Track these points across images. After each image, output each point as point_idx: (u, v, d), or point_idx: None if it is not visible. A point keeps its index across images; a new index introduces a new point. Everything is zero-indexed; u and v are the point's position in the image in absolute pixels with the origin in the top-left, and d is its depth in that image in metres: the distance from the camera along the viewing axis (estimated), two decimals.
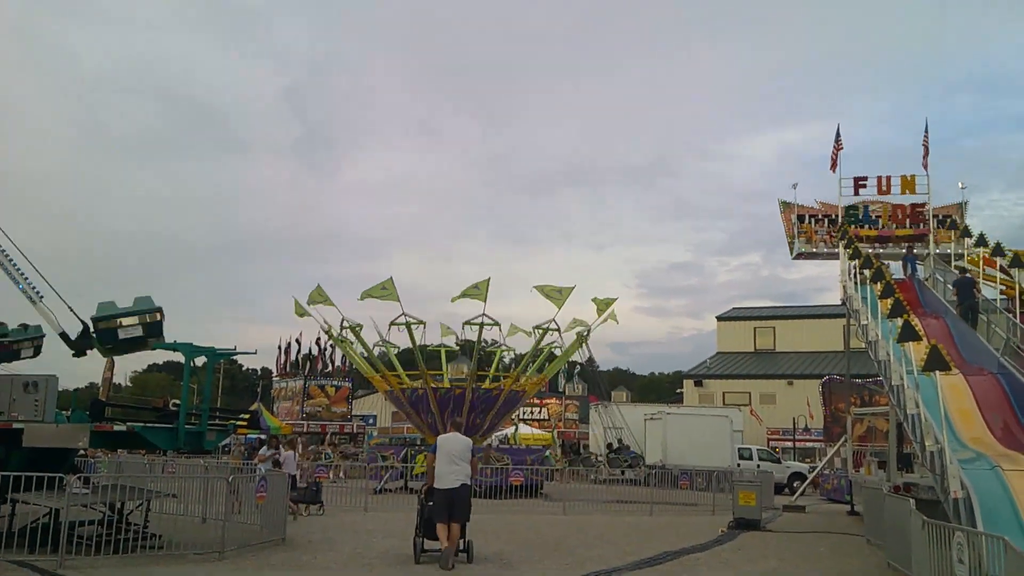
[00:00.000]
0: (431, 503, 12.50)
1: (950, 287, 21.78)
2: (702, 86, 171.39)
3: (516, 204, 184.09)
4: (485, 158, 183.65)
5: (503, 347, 35.41)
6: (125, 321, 13.12)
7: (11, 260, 13.29)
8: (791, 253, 27.39)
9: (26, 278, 13.34)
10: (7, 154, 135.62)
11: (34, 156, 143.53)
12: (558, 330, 30.84)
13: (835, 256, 25.58)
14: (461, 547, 12.45)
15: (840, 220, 25.85)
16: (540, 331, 30.89)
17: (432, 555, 12.36)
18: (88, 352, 13.64)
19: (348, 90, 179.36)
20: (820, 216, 27.23)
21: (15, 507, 12.66)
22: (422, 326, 29.86)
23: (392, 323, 29.83)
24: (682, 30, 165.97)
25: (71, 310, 13.56)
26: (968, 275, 20.91)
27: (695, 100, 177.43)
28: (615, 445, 40.64)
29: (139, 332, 13.31)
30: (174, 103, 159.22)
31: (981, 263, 21.19)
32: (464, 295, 29.59)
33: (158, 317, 13.37)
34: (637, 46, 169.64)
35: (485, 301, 29.23)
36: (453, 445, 12.70)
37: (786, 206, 27.55)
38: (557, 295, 30.30)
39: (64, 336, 13.52)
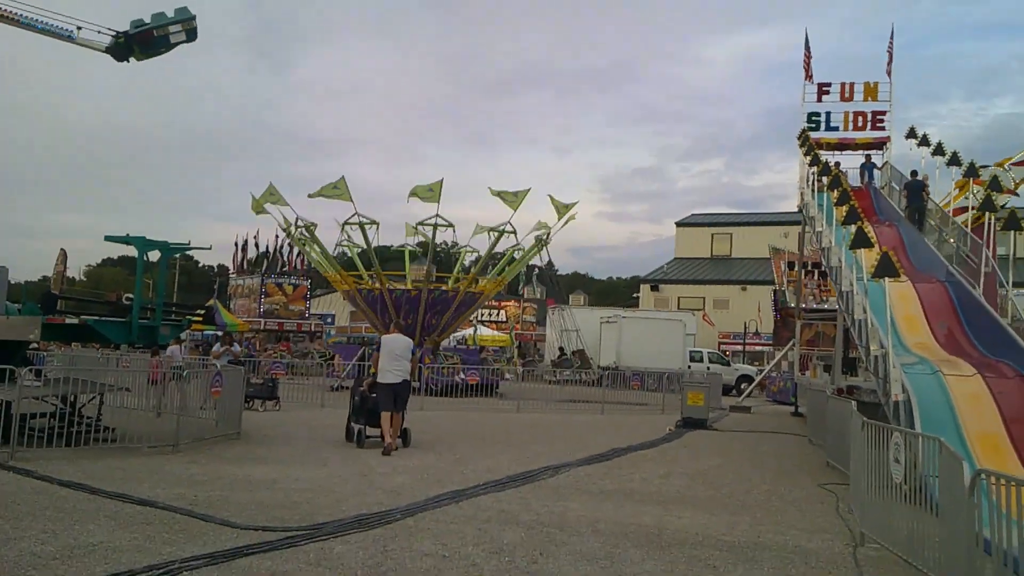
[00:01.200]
0: (374, 395, 13.84)
1: (901, 191, 22.16)
2: None
3: (478, 106, 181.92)
4: (446, 57, 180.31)
5: (468, 248, 35.48)
6: (172, 28, 14.16)
7: (33, 19, 13.65)
8: (776, 307, 27.32)
9: (47, 23, 13.73)
10: None
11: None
12: (514, 232, 30.92)
13: (827, 314, 25.62)
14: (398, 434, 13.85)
15: (803, 126, 25.82)
16: (496, 233, 30.94)
17: (374, 440, 13.73)
18: (129, 59, 14.31)
19: None
20: (810, 266, 27.14)
21: None
22: (375, 226, 29.79)
23: (345, 222, 29.69)
24: None
25: (108, 30, 14.14)
26: (919, 178, 21.39)
27: (660, 3, 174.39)
28: (565, 351, 41.18)
29: (183, 38, 14.30)
30: None
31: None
32: (415, 195, 29.46)
33: (193, 24, 14.29)
34: None
35: (438, 202, 29.22)
36: (396, 344, 14.05)
37: (776, 252, 27.40)
38: (512, 198, 30.28)
39: (109, 50, 14.06)
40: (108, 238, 14.88)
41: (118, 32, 14.04)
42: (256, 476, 10.53)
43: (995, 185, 18.67)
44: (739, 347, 48.61)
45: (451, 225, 30.14)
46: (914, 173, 21.79)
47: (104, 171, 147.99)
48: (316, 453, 12.95)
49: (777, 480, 12.15)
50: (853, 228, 14.90)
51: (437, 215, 29.52)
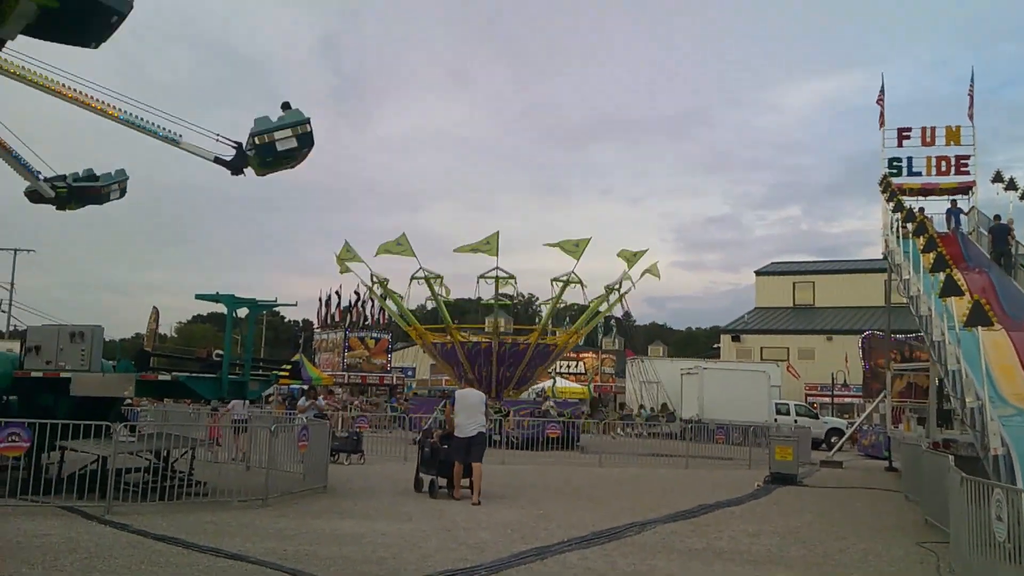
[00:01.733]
0: (446, 447, 14.51)
1: (986, 234, 21.68)
2: (737, 35, 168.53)
3: (551, 156, 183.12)
4: (519, 109, 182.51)
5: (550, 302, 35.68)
6: (279, 135, 13.66)
7: (139, 119, 13.86)
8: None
9: (159, 127, 13.96)
10: (45, 104, 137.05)
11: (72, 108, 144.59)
12: (579, 283, 31.04)
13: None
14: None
15: (883, 172, 25.35)
16: (560, 284, 31.11)
17: (443, 491, 14.40)
18: (244, 171, 14.19)
19: (382, 39, 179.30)
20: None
21: (64, 454, 13.00)
22: (440, 279, 30.25)
23: (412, 277, 30.22)
24: None
25: (220, 138, 14.19)
26: (1003, 222, 21.02)
27: (730, 49, 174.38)
28: (646, 407, 40.68)
29: (293, 144, 13.89)
30: (212, 52, 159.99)
31: None
32: (473, 249, 29.87)
33: (308, 128, 13.90)
34: None
35: (496, 255, 29.62)
36: (471, 399, 14.66)
37: None
38: (573, 248, 30.54)
39: (219, 160, 14.05)
40: (199, 296, 15.31)
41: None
42: (343, 530, 10.62)
43: None
44: (827, 399, 47.41)
45: (512, 277, 30.57)
46: (997, 217, 21.40)
47: (192, 229, 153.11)
48: (400, 507, 13.00)
49: (873, 539, 11.75)
50: (942, 275, 14.50)
51: (497, 267, 29.91)
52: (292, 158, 14.11)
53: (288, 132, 13.93)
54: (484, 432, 14.49)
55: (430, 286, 30.12)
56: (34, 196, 15.16)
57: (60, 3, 11.87)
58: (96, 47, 12.88)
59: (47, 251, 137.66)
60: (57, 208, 14.86)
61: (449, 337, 30.57)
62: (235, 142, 14.11)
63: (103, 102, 13.70)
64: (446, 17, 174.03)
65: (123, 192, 15.78)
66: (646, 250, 31.27)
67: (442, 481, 14.51)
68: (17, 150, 14.11)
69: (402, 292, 31.72)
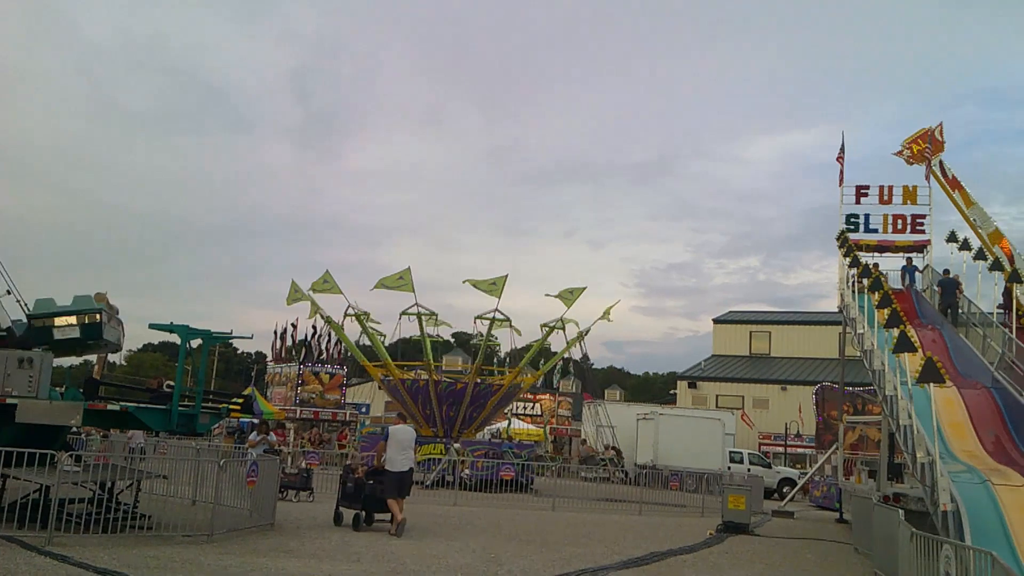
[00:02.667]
0: (379, 482, 14.86)
1: (935, 288, 22.47)
2: (705, 87, 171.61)
3: (517, 196, 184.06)
4: (488, 149, 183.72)
5: (495, 341, 35.67)
6: (59, 321, 12.50)
7: None
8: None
9: None
10: (14, 127, 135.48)
11: (41, 130, 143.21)
12: (563, 328, 31.28)
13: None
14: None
15: (841, 227, 25.80)
16: (547, 329, 31.30)
17: (382, 524, 14.90)
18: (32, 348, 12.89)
19: (353, 75, 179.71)
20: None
21: (5, 482, 12.63)
22: (434, 317, 30.27)
23: (404, 313, 30.07)
24: (687, 31, 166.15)
25: (21, 303, 13.20)
26: (952, 276, 21.68)
27: (698, 100, 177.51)
28: (595, 449, 40.67)
29: (76, 333, 12.75)
30: (181, 80, 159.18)
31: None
32: (479, 287, 29.99)
33: (97, 319, 12.67)
34: (642, 45, 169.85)
35: (499, 297, 29.62)
36: (404, 436, 15.21)
37: None
38: (569, 296, 30.97)
39: (10, 331, 13.01)
40: (152, 326, 15.05)
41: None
42: (289, 570, 10.41)
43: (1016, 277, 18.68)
44: (780, 448, 47.66)
45: (508, 319, 30.68)
46: (947, 271, 22.05)
47: (149, 255, 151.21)
48: (349, 547, 12.79)
49: None
50: (896, 331, 14.72)
51: (496, 309, 30.07)
52: (80, 348, 12.89)
53: (72, 319, 12.91)
54: (412, 468, 15.36)
55: (420, 323, 30.12)
56: None
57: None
58: None
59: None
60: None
61: (423, 375, 30.50)
62: (28, 314, 13.03)
63: None
64: (417, 56, 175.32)
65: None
66: (584, 288, 31.52)
67: (378, 515, 15.13)
68: None
69: (352, 329, 31.52)
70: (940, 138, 25.71)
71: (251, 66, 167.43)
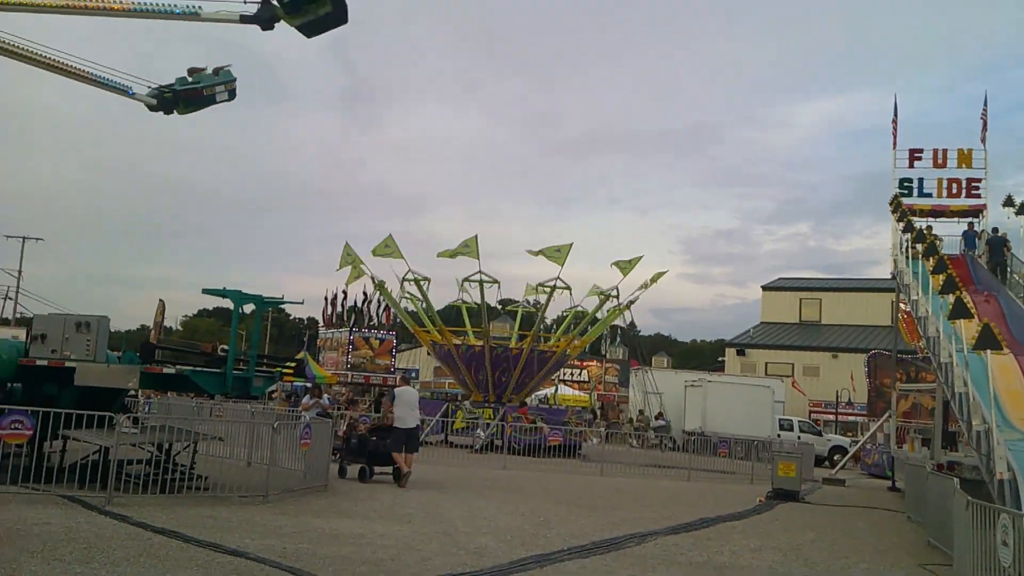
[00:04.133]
0: (383, 439, 16.37)
1: (984, 246, 22.37)
2: (750, 51, 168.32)
3: (559, 165, 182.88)
4: (526, 117, 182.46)
5: (526, 304, 35.75)
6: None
7: (149, 3, 12.97)
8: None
9: (174, 5, 13.04)
10: (57, 96, 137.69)
11: (84, 103, 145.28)
12: (617, 296, 31.29)
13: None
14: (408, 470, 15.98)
15: (894, 192, 25.27)
16: (602, 296, 31.32)
17: (381, 477, 16.40)
18: (274, 24, 13.11)
19: (393, 44, 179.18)
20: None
21: (66, 443, 13.00)
22: (497, 284, 30.54)
23: (466, 279, 30.34)
24: None
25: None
26: (1000, 234, 21.70)
27: (743, 65, 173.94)
28: (646, 414, 40.55)
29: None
30: (225, 52, 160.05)
31: None
32: (545, 255, 30.18)
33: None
34: (684, 8, 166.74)
35: (562, 265, 29.83)
36: (409, 396, 16.92)
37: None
38: (627, 265, 31.07)
39: (245, 18, 12.95)
40: (206, 291, 15.31)
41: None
42: (342, 530, 10.58)
43: None
44: (831, 416, 47.20)
45: (568, 288, 30.77)
46: (995, 229, 22.04)
47: (200, 225, 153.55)
48: (400, 508, 12.97)
49: (876, 559, 11.68)
50: (951, 298, 14.43)
51: (558, 277, 30.34)
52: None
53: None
54: (419, 425, 17.07)
55: (481, 290, 30.39)
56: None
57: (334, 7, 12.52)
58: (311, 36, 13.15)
59: (56, 240, 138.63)
60: (165, 113, 14.59)
61: (479, 340, 30.71)
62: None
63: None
64: (455, 26, 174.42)
65: (232, 94, 14.78)
66: (640, 257, 31.38)
67: (378, 468, 16.53)
68: (96, 72, 13.88)
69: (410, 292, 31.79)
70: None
71: (292, 35, 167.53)
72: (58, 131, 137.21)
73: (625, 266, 31.25)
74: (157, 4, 12.74)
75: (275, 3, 12.61)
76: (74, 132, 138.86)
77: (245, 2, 12.71)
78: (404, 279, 30.75)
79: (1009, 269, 21.17)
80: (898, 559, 11.74)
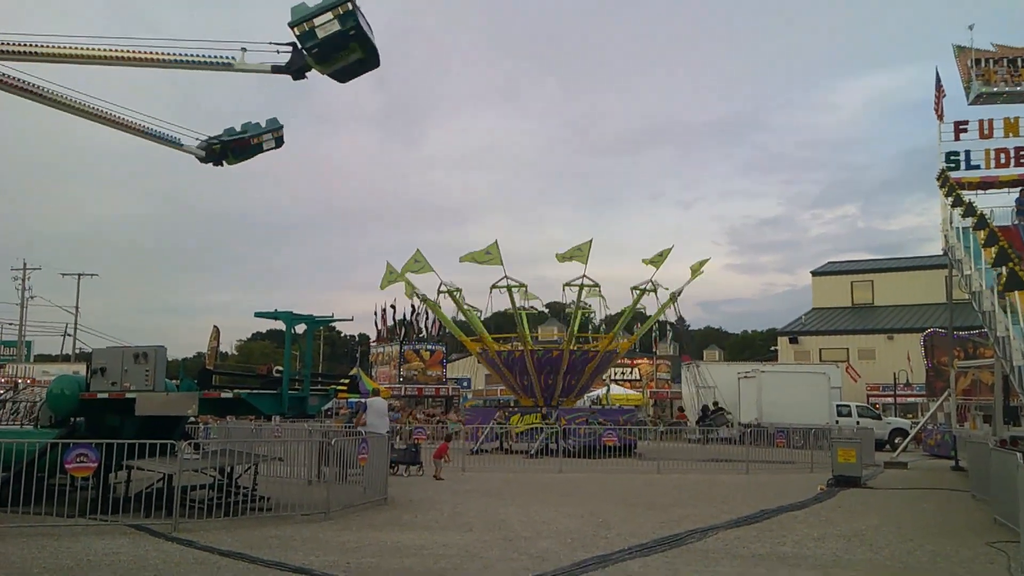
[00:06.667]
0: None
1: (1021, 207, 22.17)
2: (784, 33, 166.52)
3: (601, 165, 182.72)
4: (567, 120, 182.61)
5: (583, 307, 35.64)
6: (318, 20, 12.57)
7: (189, 55, 13.25)
8: (968, 98, 25.59)
9: (211, 57, 13.33)
10: (106, 136, 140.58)
11: (132, 139, 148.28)
12: (654, 291, 31.17)
13: (1019, 97, 23.86)
14: None
15: (941, 167, 24.82)
16: (638, 292, 31.17)
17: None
18: (306, 74, 13.25)
19: (428, 57, 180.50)
20: (999, 58, 25.60)
21: (131, 473, 13.30)
22: (524, 288, 30.45)
23: (494, 286, 30.36)
24: None
25: (274, 48, 13.25)
26: None
27: (778, 48, 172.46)
28: (711, 408, 40.20)
29: (336, 27, 12.66)
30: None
31: None
32: (567, 257, 30.13)
33: (350, 7, 12.63)
34: None
35: (586, 263, 29.69)
36: (380, 406, 18.74)
37: (960, 51, 25.99)
38: (658, 259, 30.74)
39: (276, 68, 13.16)
40: (258, 314, 15.56)
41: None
42: (404, 542, 10.71)
43: None
44: (890, 399, 46.49)
45: (597, 285, 30.63)
46: None
47: (249, 249, 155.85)
48: (460, 518, 13.07)
49: (941, 540, 11.51)
50: (1004, 270, 14.21)
51: (584, 275, 30.14)
52: (342, 47, 12.79)
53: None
54: (390, 432, 18.68)
55: (511, 295, 30.41)
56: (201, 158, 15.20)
57: (365, 51, 12.80)
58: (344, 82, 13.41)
59: (110, 275, 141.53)
60: (214, 164, 14.96)
61: (518, 346, 30.71)
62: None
63: (147, 51, 13.20)
64: (490, 32, 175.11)
65: (279, 141, 15.23)
66: (670, 248, 31.24)
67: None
68: (150, 125, 14.34)
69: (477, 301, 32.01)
70: None
71: None
72: (109, 167, 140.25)
73: (657, 259, 31.10)
74: (194, 56, 13.08)
75: (306, 53, 12.72)
76: (124, 167, 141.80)
77: (278, 52, 12.97)
78: (439, 291, 30.94)
79: None
80: (964, 539, 11.56)
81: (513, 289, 30.21)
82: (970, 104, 24.61)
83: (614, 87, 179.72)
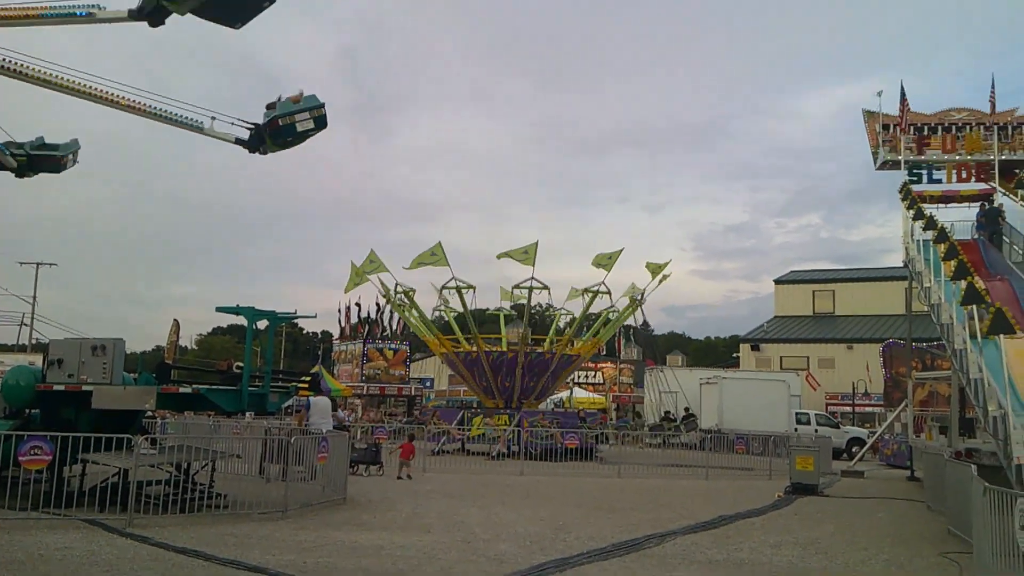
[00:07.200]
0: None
1: (980, 219, 23.11)
2: (753, 42, 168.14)
3: (570, 166, 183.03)
4: (536, 120, 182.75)
5: (562, 311, 35.60)
6: (299, 117, 13.99)
7: (165, 111, 13.91)
8: (875, 164, 26.13)
9: (184, 117, 14.02)
10: (76, 125, 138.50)
11: (100, 127, 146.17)
12: (608, 293, 31.13)
13: (920, 163, 24.68)
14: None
15: (904, 179, 25.12)
16: (589, 294, 31.13)
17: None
18: (261, 148, 14.27)
19: (401, 53, 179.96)
20: (905, 125, 26.14)
21: (85, 467, 13.09)
22: (472, 290, 30.28)
23: (443, 287, 30.22)
24: None
25: (237, 123, 14.30)
26: (996, 205, 22.75)
27: (747, 57, 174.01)
28: (673, 413, 40.43)
29: (311, 125, 14.14)
30: (232, 66, 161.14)
31: None
32: (509, 256, 29.89)
33: (323, 112, 14.19)
34: (691, 4, 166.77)
35: (533, 265, 29.57)
36: (323, 404, 19.08)
37: (870, 115, 26.57)
38: (607, 261, 30.65)
39: (239, 141, 14.19)
40: (220, 309, 15.41)
41: (252, 124, 14.27)
42: (362, 542, 10.64)
43: None
44: (848, 408, 47.02)
45: (546, 287, 30.41)
46: (991, 201, 23.05)
47: (212, 242, 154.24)
48: (419, 519, 13.01)
49: (896, 549, 11.65)
50: (963, 283, 14.40)
51: (532, 277, 29.87)
52: (306, 138, 14.34)
53: (307, 115, 14.19)
54: (331, 430, 17.80)
55: (460, 296, 30.22)
56: None
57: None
58: (239, 28, 13.13)
59: (69, 263, 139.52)
60: (16, 176, 14.94)
61: (473, 347, 30.54)
62: (252, 124, 14.24)
63: (133, 99, 13.71)
64: (463, 30, 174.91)
65: (76, 161, 15.87)
66: (669, 261, 31.28)
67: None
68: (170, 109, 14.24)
69: (426, 303, 31.89)
70: None
71: (301, 48, 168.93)
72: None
73: (606, 261, 31.04)
74: (171, 114, 13.90)
75: (268, 135, 13.96)
76: (85, 155, 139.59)
77: (232, 123, 14.17)
78: (395, 292, 30.81)
79: (1005, 239, 21.98)
80: (918, 549, 11.71)
81: (463, 289, 30.12)
82: (877, 169, 25.69)
83: (586, 89, 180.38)
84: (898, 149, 25.18)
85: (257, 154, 14.53)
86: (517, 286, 30.78)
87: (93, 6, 13.07)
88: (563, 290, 32.27)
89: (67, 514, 11.47)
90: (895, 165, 25.14)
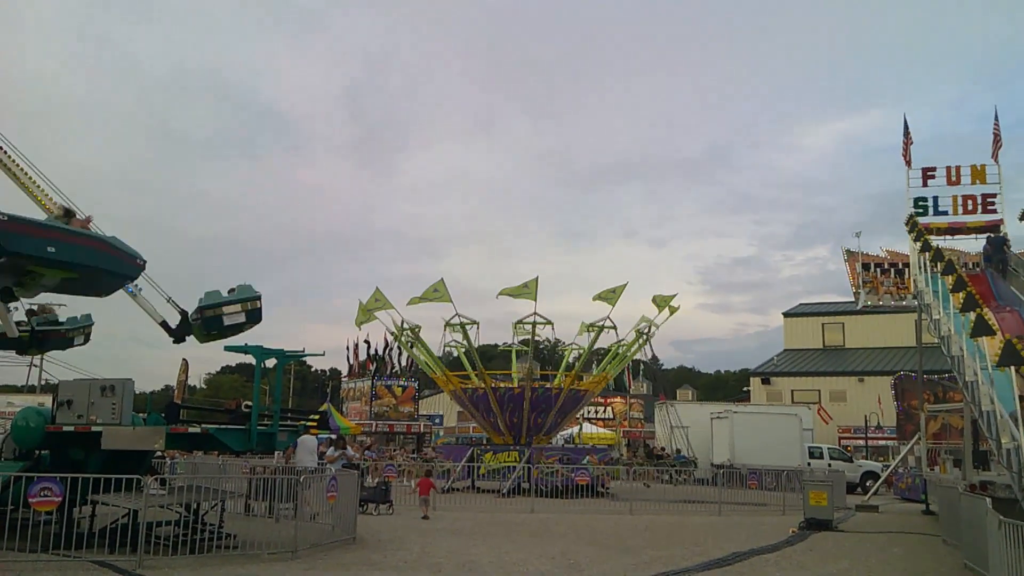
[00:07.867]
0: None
1: (986, 248, 22.95)
2: (755, 76, 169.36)
3: (574, 200, 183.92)
4: (541, 154, 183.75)
5: (573, 346, 35.52)
6: (228, 309, 13.66)
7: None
8: (856, 304, 26.65)
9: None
10: (80, 158, 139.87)
11: (104, 158, 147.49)
12: (614, 328, 31.03)
13: (903, 309, 24.98)
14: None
15: (909, 211, 25.17)
16: (595, 329, 31.08)
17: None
18: (186, 338, 14.20)
19: (404, 89, 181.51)
20: (886, 265, 26.71)
21: (95, 508, 13.05)
22: (476, 325, 30.27)
23: (447, 324, 30.20)
24: (736, 20, 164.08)
25: (171, 301, 14.24)
26: (1001, 234, 22.68)
27: (749, 90, 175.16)
28: (668, 450, 40.27)
29: (242, 319, 13.97)
30: (235, 104, 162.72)
31: None
32: (512, 294, 29.88)
33: (258, 304, 13.97)
34: (688, 37, 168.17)
35: (535, 300, 29.55)
36: (310, 443, 19.51)
37: (850, 255, 27.06)
38: (611, 295, 30.63)
39: (164, 325, 14.10)
40: (228, 348, 15.38)
41: (182, 310, 14.28)
42: None
43: None
44: (861, 441, 46.67)
45: (549, 322, 30.35)
46: (995, 230, 23.07)
47: (220, 279, 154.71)
48: (429, 558, 12.91)
49: None
50: (972, 315, 14.35)
51: (535, 312, 29.86)
52: (239, 331, 14.13)
53: (237, 307, 13.98)
54: (317, 467, 18.85)
55: (464, 332, 30.17)
56: None
57: (79, 274, 12.82)
58: (105, 297, 13.42)
59: (77, 306, 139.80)
60: (17, 353, 14.79)
61: (480, 383, 30.46)
62: (181, 309, 14.13)
63: None
64: (466, 65, 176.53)
65: (87, 338, 15.76)
66: (675, 295, 31.25)
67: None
68: None
69: (433, 339, 31.79)
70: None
71: (303, 86, 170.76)
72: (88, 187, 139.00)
73: (609, 296, 30.98)
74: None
75: (195, 325, 13.90)
76: (92, 187, 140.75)
77: (168, 300, 14.27)
78: (401, 328, 30.82)
79: (1010, 266, 21.86)
80: None
81: (466, 325, 30.10)
82: (858, 310, 26.14)
83: (589, 122, 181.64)
84: (878, 291, 25.58)
85: (175, 343, 14.38)
86: (520, 321, 30.79)
87: (139, 288, 13.78)
88: (571, 324, 32.15)
89: (77, 556, 11.41)
90: (876, 310, 25.58)
